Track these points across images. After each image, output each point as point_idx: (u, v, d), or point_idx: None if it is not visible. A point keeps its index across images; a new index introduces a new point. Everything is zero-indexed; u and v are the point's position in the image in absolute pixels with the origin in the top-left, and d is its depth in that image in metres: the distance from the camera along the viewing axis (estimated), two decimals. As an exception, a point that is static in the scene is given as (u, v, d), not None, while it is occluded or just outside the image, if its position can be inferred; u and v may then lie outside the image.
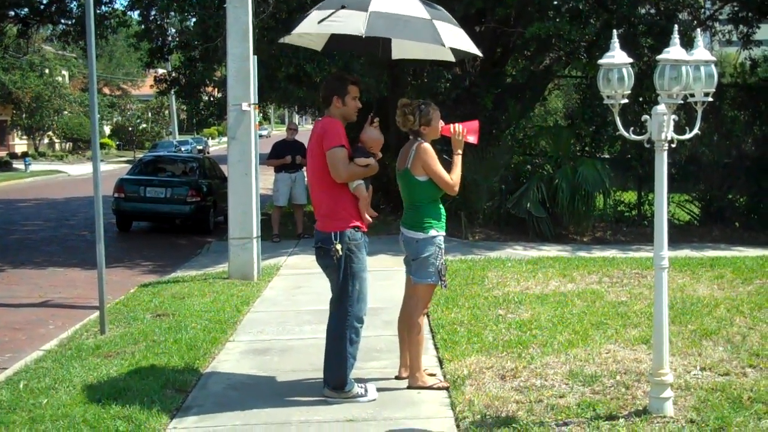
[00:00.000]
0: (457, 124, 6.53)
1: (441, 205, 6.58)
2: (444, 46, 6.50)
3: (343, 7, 6.32)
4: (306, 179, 15.13)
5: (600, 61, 5.52)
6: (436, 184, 6.42)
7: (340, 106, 6.37)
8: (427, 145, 6.42)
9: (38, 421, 6.06)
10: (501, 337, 7.88)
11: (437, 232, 6.45)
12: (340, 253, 6.19)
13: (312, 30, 6.47)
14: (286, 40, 7.23)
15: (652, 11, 17.04)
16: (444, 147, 7.07)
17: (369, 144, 6.43)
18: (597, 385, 6.42)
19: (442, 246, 6.51)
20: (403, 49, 7.45)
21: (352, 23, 6.26)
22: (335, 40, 7.20)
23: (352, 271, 6.26)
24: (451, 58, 7.36)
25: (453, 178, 6.42)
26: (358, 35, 6.30)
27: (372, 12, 6.26)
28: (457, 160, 6.49)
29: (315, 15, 6.44)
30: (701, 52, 5.35)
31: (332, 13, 6.28)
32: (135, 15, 20.62)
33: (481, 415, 5.89)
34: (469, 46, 6.82)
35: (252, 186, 11.72)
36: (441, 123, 6.54)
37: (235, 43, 11.64)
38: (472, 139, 6.56)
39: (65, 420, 6.02)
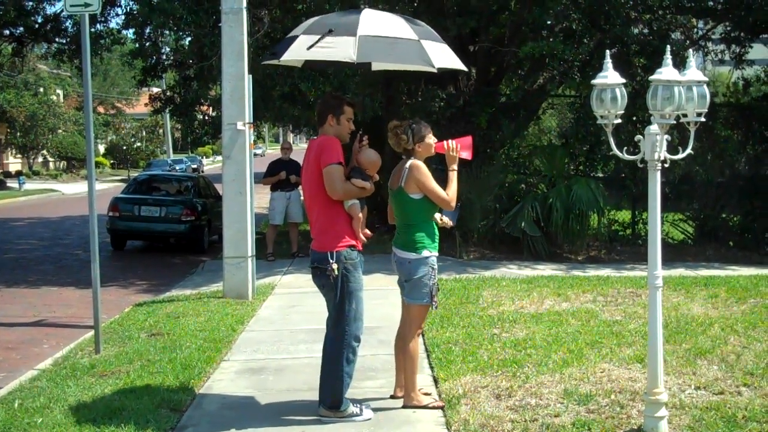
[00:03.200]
0: (450, 141, 6.56)
1: (434, 225, 6.58)
2: (434, 68, 6.52)
3: (330, 32, 6.32)
4: (302, 197, 15.18)
5: (593, 82, 5.57)
6: (430, 202, 6.43)
7: (333, 125, 6.40)
8: (420, 163, 6.43)
9: (33, 440, 6.06)
10: (496, 356, 7.89)
11: (430, 253, 6.44)
12: (336, 272, 6.20)
13: (301, 56, 6.47)
14: (271, 62, 7.24)
15: (645, 31, 17.13)
16: (438, 166, 7.08)
17: (366, 166, 6.43)
18: (592, 404, 6.43)
19: (435, 266, 6.50)
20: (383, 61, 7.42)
21: (341, 49, 6.24)
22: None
23: (349, 290, 6.27)
24: (433, 69, 7.37)
25: (449, 194, 6.42)
26: (348, 62, 6.32)
27: (360, 36, 6.25)
28: (452, 176, 6.50)
29: (303, 40, 6.40)
30: (693, 72, 5.39)
31: (320, 38, 6.27)
32: (130, 33, 20.71)
33: (476, 435, 5.89)
34: (455, 63, 6.84)
35: (247, 205, 11.73)
36: (434, 140, 6.57)
37: (230, 62, 11.67)
38: (466, 154, 6.58)
39: (60, 440, 6.02)
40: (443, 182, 6.50)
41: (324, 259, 6.23)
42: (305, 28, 6.54)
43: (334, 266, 6.19)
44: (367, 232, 6.48)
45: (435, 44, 6.65)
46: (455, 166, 6.55)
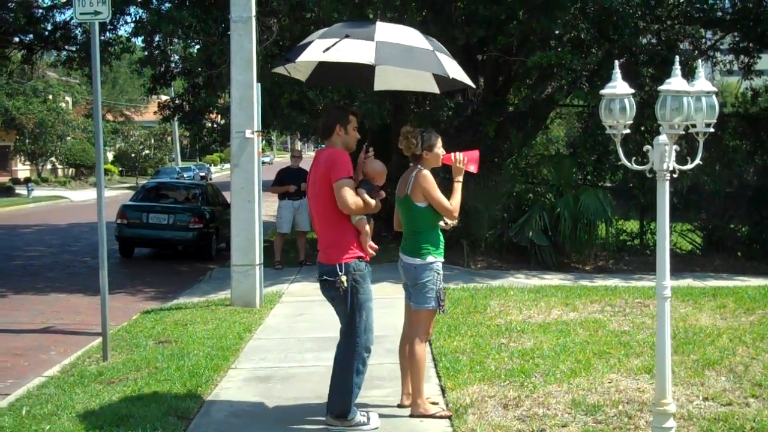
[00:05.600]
0: (458, 153, 6.63)
1: (440, 232, 6.65)
2: (449, 77, 6.55)
3: (347, 37, 6.34)
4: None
5: (602, 92, 5.55)
6: (435, 211, 6.51)
7: (342, 135, 6.41)
8: (426, 172, 6.52)
9: (40, 447, 6.06)
10: (503, 366, 7.88)
11: (435, 258, 6.53)
12: (346, 284, 6.20)
13: (317, 58, 6.47)
14: (283, 69, 7.24)
15: (654, 41, 17.12)
16: (446, 175, 7.13)
17: (372, 175, 6.46)
18: (600, 415, 6.42)
19: (440, 272, 6.57)
20: (386, 81, 7.43)
21: (360, 52, 6.25)
22: (319, 72, 7.22)
23: (359, 301, 6.26)
24: (435, 90, 7.41)
25: (452, 204, 6.52)
26: (364, 64, 6.33)
27: (378, 42, 6.28)
28: (457, 187, 6.60)
29: (318, 43, 6.42)
30: (702, 83, 5.38)
31: (336, 42, 6.29)
32: (139, 41, 20.74)
33: (483, 444, 5.88)
34: (465, 78, 6.89)
35: (255, 213, 11.75)
36: (442, 151, 6.61)
37: (239, 70, 11.69)
38: (473, 168, 6.67)
39: (67, 447, 6.02)
40: (449, 192, 6.55)
41: (333, 271, 6.23)
42: (320, 34, 6.57)
43: (343, 278, 6.19)
44: (374, 245, 6.48)
45: (447, 57, 6.70)
46: (461, 178, 6.65)
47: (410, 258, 6.56)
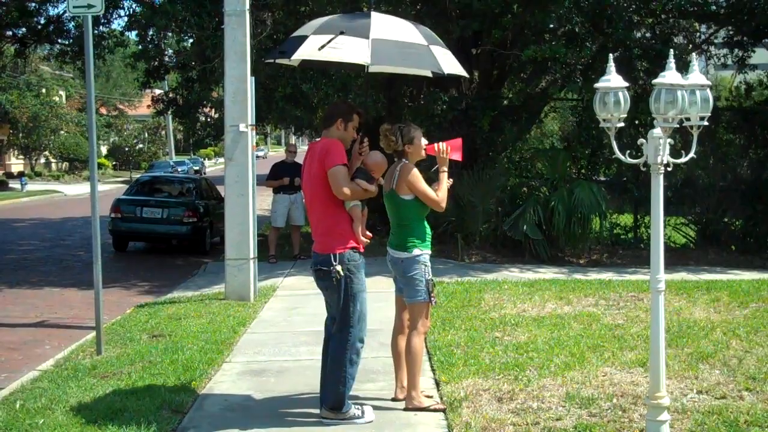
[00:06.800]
0: (441, 143, 6.65)
1: (426, 224, 6.68)
2: (444, 74, 6.56)
3: (341, 33, 6.32)
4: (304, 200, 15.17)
5: (596, 85, 5.55)
6: (421, 203, 6.53)
7: (341, 129, 6.40)
8: (410, 165, 6.54)
9: (34, 441, 6.05)
10: (498, 360, 7.89)
11: (421, 251, 6.54)
12: (341, 274, 6.20)
13: (312, 56, 6.45)
14: (273, 60, 7.24)
15: (648, 35, 17.12)
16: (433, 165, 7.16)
17: (371, 167, 6.47)
18: (594, 408, 6.43)
19: (428, 263, 6.58)
20: (380, 65, 7.44)
21: (355, 52, 6.24)
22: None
23: (353, 291, 6.27)
24: (428, 74, 7.42)
25: (439, 195, 6.54)
26: (362, 64, 6.33)
27: (373, 39, 6.26)
28: (443, 177, 6.61)
29: (314, 40, 6.39)
30: (696, 76, 5.38)
31: (331, 39, 6.27)
32: (132, 35, 20.73)
33: (477, 438, 5.88)
34: (459, 69, 6.90)
35: (249, 207, 11.73)
36: (425, 142, 6.62)
37: (233, 64, 11.67)
38: (456, 156, 6.69)
39: (61, 441, 6.01)
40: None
41: (327, 260, 6.24)
42: (315, 29, 6.53)
43: (338, 268, 6.20)
44: (367, 233, 6.49)
45: (441, 49, 6.70)
46: (446, 168, 6.65)
47: (397, 252, 6.58)
